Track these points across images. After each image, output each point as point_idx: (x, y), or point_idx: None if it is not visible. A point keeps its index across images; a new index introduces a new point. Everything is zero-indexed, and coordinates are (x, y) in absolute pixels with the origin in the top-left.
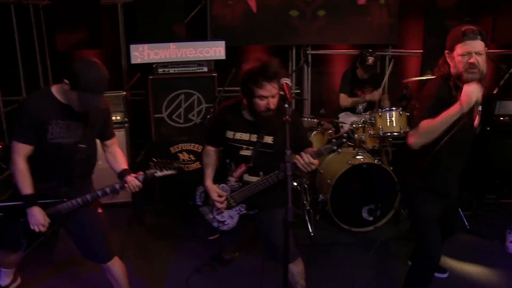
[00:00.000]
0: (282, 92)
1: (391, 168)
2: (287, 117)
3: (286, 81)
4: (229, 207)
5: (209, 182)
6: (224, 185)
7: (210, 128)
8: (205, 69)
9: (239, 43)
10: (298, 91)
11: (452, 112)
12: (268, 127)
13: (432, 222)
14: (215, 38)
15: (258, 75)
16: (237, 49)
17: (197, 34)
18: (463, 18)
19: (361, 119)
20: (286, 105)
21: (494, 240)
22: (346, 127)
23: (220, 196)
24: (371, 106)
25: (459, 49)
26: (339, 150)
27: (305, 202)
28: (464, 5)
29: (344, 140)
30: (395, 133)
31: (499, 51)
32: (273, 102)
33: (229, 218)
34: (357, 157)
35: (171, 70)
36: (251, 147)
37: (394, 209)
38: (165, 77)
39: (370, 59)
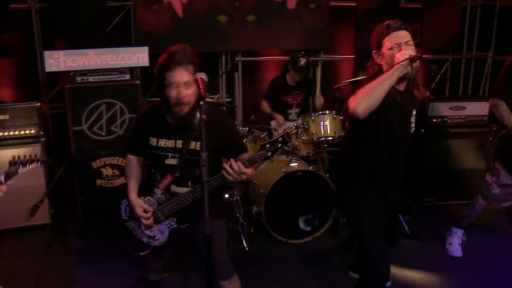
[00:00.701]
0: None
1: (328, 175)
2: (203, 115)
3: (201, 75)
4: (157, 221)
5: (133, 196)
6: (150, 197)
7: (130, 134)
8: (128, 76)
9: (164, 51)
10: (229, 99)
11: (389, 72)
12: (194, 131)
13: (375, 234)
14: (139, 45)
15: (167, 59)
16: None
17: (122, 42)
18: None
19: (293, 125)
20: (201, 102)
21: (434, 243)
22: (280, 131)
23: (145, 211)
24: (304, 111)
25: (387, 42)
26: (275, 157)
27: (238, 215)
28: (392, 8)
29: (279, 145)
30: (330, 138)
31: (427, 56)
32: (185, 93)
33: (159, 233)
34: (291, 164)
35: (91, 79)
36: (177, 155)
37: (332, 217)
38: (84, 86)
39: (302, 61)
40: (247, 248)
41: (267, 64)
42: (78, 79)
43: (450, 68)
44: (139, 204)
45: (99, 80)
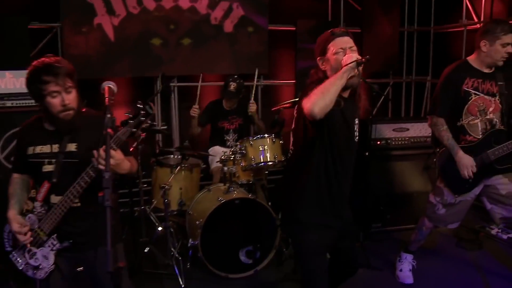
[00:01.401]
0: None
1: (269, 203)
2: (108, 129)
3: (109, 84)
4: (40, 243)
5: (11, 213)
6: (30, 215)
7: (14, 153)
8: None
9: (95, 76)
10: (166, 127)
11: (339, 73)
12: (70, 132)
13: (317, 251)
14: None
15: (42, 71)
16: (95, 83)
17: None
18: None
19: (230, 150)
20: (108, 115)
21: (385, 271)
22: (215, 161)
23: (22, 225)
24: (242, 137)
25: (332, 47)
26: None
27: (172, 249)
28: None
29: (142, 118)
30: (270, 163)
31: (369, 80)
32: (68, 98)
33: (43, 259)
34: (229, 192)
35: (8, 103)
36: (53, 160)
37: (275, 248)
38: (0, 112)
39: (232, 85)
40: (183, 286)
41: (205, 89)
42: None
43: (392, 91)
44: (16, 219)
45: (18, 105)
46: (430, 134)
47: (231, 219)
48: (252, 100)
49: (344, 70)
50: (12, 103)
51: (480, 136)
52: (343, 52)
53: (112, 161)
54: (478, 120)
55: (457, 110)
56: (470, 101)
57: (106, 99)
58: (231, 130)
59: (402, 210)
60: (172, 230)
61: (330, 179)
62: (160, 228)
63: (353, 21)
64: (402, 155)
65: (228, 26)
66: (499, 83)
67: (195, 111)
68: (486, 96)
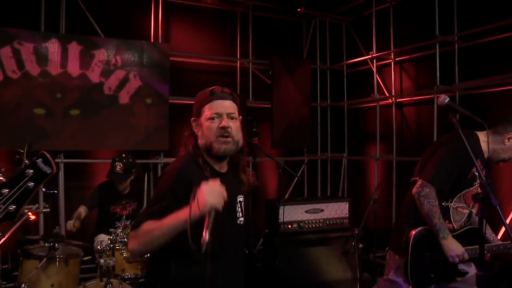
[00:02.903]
0: None
1: None
2: None
3: None
4: None
5: None
6: None
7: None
8: None
9: None
10: (48, 209)
11: (181, 217)
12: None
13: None
14: None
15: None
16: None
17: None
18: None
19: (108, 238)
20: None
21: None
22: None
23: None
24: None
25: (207, 110)
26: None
27: None
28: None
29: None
30: None
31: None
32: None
33: None
34: None
35: None
36: None
37: None
38: None
39: (118, 166)
40: None
41: (97, 167)
42: None
43: (307, 170)
44: None
45: None
46: (347, 215)
47: None
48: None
49: (182, 219)
50: None
51: (457, 226)
52: (219, 119)
53: None
54: (468, 210)
55: (452, 190)
56: (473, 187)
57: None
58: (123, 216)
59: None
60: None
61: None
62: None
63: (263, 95)
64: (318, 239)
65: (124, 97)
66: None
67: (72, 228)
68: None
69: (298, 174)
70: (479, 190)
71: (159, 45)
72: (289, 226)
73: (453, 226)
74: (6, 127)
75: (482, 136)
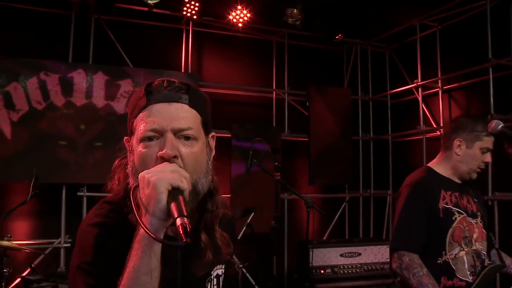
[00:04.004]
0: None
1: None
2: None
3: None
4: None
5: None
6: None
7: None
8: None
9: None
10: (69, 244)
11: (138, 252)
12: None
13: None
14: None
15: None
16: None
17: None
18: None
19: None
20: None
21: None
22: None
23: None
24: None
25: (140, 123)
26: None
27: None
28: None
29: None
30: None
31: (320, 195)
32: None
33: None
34: None
35: None
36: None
37: None
38: None
39: None
40: None
41: None
42: None
43: (348, 208)
44: None
45: None
46: (388, 260)
47: None
48: None
49: (139, 248)
50: None
51: (470, 278)
52: (159, 140)
53: None
54: (464, 252)
55: (436, 240)
56: (455, 222)
57: None
58: None
59: None
60: None
61: None
62: None
63: (300, 128)
64: (354, 287)
65: None
66: (475, 199)
67: None
68: (468, 218)
69: (339, 213)
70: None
71: (189, 75)
72: (322, 271)
73: (459, 280)
74: (29, 159)
75: (435, 164)
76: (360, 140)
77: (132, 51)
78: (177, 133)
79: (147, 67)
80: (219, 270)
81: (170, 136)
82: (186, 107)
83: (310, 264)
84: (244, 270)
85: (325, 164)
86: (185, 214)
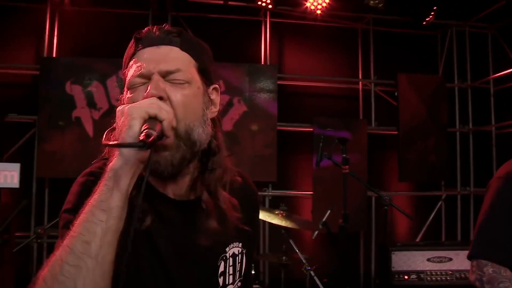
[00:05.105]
0: None
1: None
2: None
3: None
4: None
5: None
6: None
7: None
8: None
9: (65, 175)
10: None
11: (101, 186)
12: None
13: None
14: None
15: None
16: (66, 183)
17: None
18: None
19: None
20: None
21: None
22: None
23: None
24: None
25: (129, 70)
26: None
27: None
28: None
29: None
30: None
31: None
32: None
33: None
34: None
35: None
36: None
37: None
38: None
39: None
40: None
41: None
42: None
43: (445, 208)
44: None
45: None
46: None
47: None
48: None
49: (114, 170)
50: None
51: None
52: (144, 83)
53: None
54: None
55: None
56: None
57: None
58: None
59: None
60: None
61: None
62: None
63: (388, 120)
64: None
65: (227, 124)
66: None
67: None
68: None
69: (434, 212)
70: None
71: (267, 68)
72: (406, 277)
73: None
74: None
75: None
76: (458, 133)
77: (210, 46)
78: (165, 76)
79: (225, 61)
80: (235, 249)
81: (156, 77)
82: (176, 49)
83: (392, 268)
84: (312, 272)
85: (417, 159)
86: (157, 132)
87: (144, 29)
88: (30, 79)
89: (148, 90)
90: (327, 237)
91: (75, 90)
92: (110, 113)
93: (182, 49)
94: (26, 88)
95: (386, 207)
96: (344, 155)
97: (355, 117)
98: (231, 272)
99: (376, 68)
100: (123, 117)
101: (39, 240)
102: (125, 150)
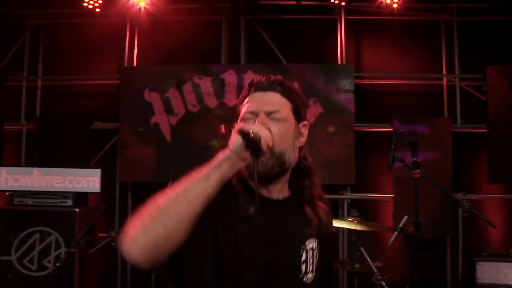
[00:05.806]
0: None
1: None
2: None
3: None
4: None
5: None
6: None
7: None
8: (69, 202)
9: (145, 179)
10: None
11: (205, 170)
12: None
13: None
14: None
15: None
16: (147, 186)
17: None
18: None
19: None
20: None
21: None
22: None
23: None
24: None
25: (243, 108)
26: None
27: None
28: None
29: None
30: None
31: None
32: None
33: None
34: None
35: (29, 201)
36: None
37: None
38: (20, 210)
39: None
40: None
41: None
42: (16, 200)
43: None
44: None
45: (38, 204)
46: None
47: None
48: None
49: (216, 162)
50: (33, 201)
51: None
52: (253, 118)
53: None
54: None
55: None
56: None
57: None
58: None
59: None
60: None
61: None
62: None
63: (476, 118)
64: None
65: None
66: None
67: None
68: None
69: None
70: None
71: (342, 67)
72: None
73: None
74: (186, 160)
75: None
76: None
77: (286, 48)
78: (269, 114)
79: (301, 62)
80: (312, 244)
81: (262, 115)
82: (278, 95)
83: (478, 281)
84: (383, 282)
85: (510, 159)
86: (252, 135)
87: (256, 78)
88: (115, 88)
89: (256, 123)
90: (405, 244)
91: (153, 97)
92: (186, 119)
93: (282, 95)
94: (110, 97)
95: (465, 213)
96: (414, 159)
97: (439, 115)
98: (311, 262)
99: (461, 61)
100: (234, 134)
101: (112, 244)
102: (235, 146)
